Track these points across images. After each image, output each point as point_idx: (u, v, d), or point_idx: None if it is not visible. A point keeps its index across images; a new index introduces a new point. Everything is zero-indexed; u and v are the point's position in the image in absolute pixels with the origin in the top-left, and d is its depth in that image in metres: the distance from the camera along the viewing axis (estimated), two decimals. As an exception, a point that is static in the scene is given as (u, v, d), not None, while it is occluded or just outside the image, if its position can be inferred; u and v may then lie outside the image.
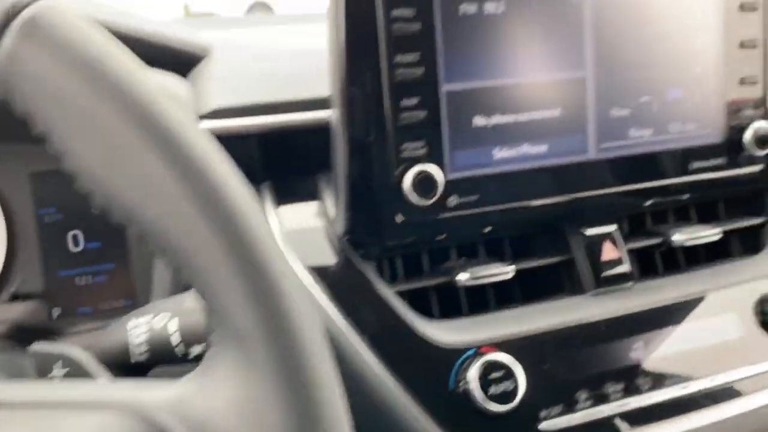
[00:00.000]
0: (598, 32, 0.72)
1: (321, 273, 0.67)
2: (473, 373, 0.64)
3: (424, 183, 0.66)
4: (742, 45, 0.78)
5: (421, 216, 0.67)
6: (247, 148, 0.73)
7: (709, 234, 0.78)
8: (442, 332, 0.67)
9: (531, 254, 0.77)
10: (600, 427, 0.67)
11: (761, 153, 0.78)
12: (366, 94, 0.64)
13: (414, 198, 0.66)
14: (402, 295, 0.69)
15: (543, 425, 0.65)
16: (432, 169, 0.66)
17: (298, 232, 0.70)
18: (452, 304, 0.73)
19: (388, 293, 0.68)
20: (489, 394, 0.63)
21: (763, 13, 0.78)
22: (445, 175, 0.68)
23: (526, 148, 0.72)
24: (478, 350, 0.66)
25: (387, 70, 0.65)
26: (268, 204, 0.73)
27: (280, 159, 0.75)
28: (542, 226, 0.76)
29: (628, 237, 0.79)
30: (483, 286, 0.73)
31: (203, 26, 0.96)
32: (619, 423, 0.67)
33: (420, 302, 0.71)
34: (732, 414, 0.70)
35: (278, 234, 0.70)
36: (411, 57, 0.65)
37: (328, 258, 0.69)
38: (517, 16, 0.69)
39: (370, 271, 0.68)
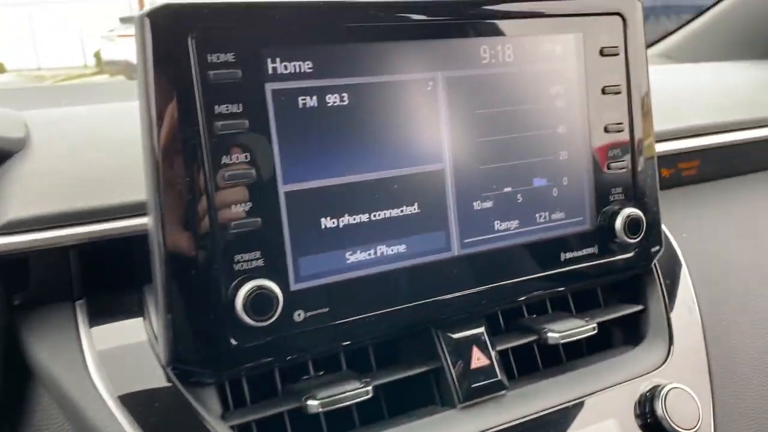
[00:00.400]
0: (455, 121, 0.67)
1: (137, 405, 0.57)
2: None
3: (261, 301, 0.57)
4: (607, 129, 0.74)
5: (259, 338, 0.58)
6: (59, 261, 0.63)
7: (584, 329, 0.73)
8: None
9: (397, 361, 0.70)
10: None
11: (633, 240, 0.74)
12: (187, 199, 0.55)
13: (249, 319, 0.57)
14: (243, 429, 0.60)
15: None
16: (269, 284, 0.57)
17: (114, 356, 0.60)
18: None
19: (220, 426, 0.58)
20: None
21: (626, 94, 0.75)
22: (287, 288, 0.59)
23: (383, 249, 0.64)
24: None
25: (211, 171, 0.56)
26: (82, 324, 0.62)
27: (99, 272, 0.64)
28: (407, 330, 0.69)
29: (499, 335, 0.73)
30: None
31: (32, 97, 0.85)
32: None
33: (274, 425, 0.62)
34: None
35: (90, 358, 0.59)
36: (241, 157, 0.57)
37: (149, 387, 0.58)
38: (363, 107, 0.62)
39: (199, 403, 0.58)
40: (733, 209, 0.96)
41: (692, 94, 1.10)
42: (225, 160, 0.57)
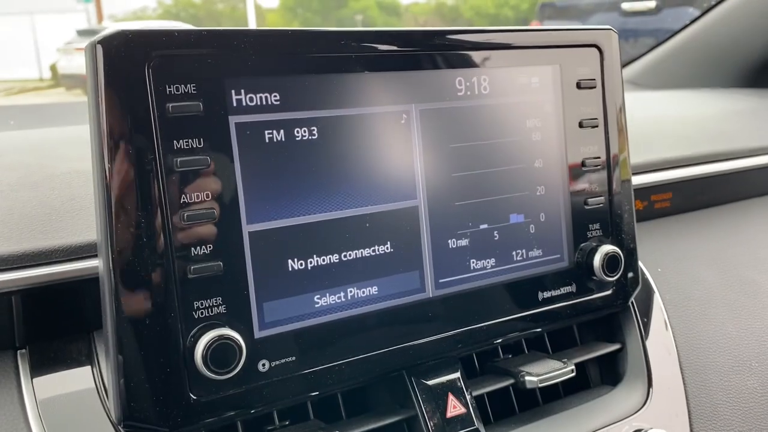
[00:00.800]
0: (429, 156, 0.63)
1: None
2: None
3: (223, 352, 0.52)
4: (584, 164, 0.72)
5: (220, 391, 0.54)
6: (0, 307, 0.57)
7: (563, 372, 0.70)
8: None
9: (368, 409, 0.66)
10: None
11: (611, 278, 0.72)
12: (141, 240, 0.51)
13: (209, 372, 0.52)
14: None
15: None
16: (232, 333, 0.53)
17: (57, 409, 0.54)
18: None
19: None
20: None
21: (603, 127, 0.73)
22: (251, 336, 0.55)
23: (354, 292, 0.61)
24: None
25: (169, 211, 0.52)
26: (23, 374, 0.56)
27: (45, 318, 0.59)
28: (379, 378, 0.65)
29: (475, 379, 0.69)
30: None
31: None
32: None
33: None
34: None
35: (30, 411, 0.54)
36: (202, 195, 0.53)
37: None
38: (333, 141, 0.59)
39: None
40: (706, 242, 0.95)
41: (661, 125, 1.09)
42: (184, 199, 0.52)
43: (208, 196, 0.53)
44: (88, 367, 0.58)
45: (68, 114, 1.21)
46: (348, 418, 0.64)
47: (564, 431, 0.68)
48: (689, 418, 0.73)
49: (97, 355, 0.59)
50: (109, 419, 0.54)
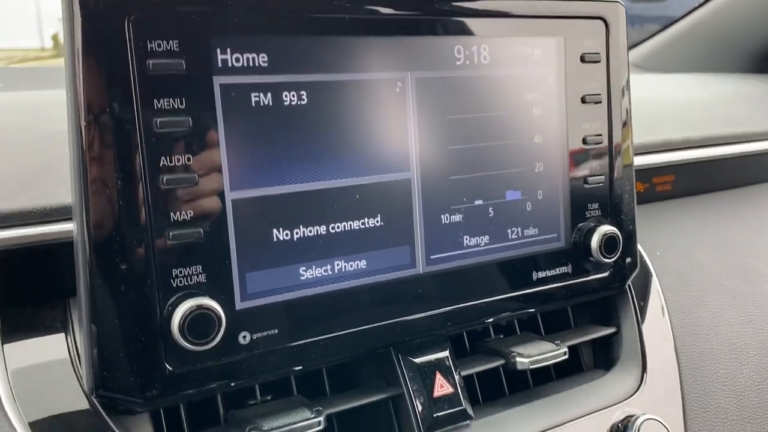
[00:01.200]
0: (424, 127, 0.61)
1: (53, 436, 0.50)
2: None
3: (201, 322, 0.50)
4: (585, 141, 0.69)
5: (198, 363, 0.52)
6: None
7: (555, 354, 0.68)
8: None
9: (353, 386, 0.64)
10: None
11: (608, 260, 0.70)
12: (117, 204, 0.48)
13: (187, 342, 0.50)
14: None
15: None
16: (211, 303, 0.51)
17: (28, 376, 0.52)
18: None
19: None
20: None
21: (606, 104, 0.71)
22: (232, 307, 0.53)
23: (341, 265, 0.58)
24: None
25: (147, 174, 0.49)
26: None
27: (18, 282, 0.57)
28: (365, 354, 0.63)
29: (464, 359, 0.67)
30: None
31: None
32: None
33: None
34: None
35: (0, 379, 0.52)
36: (182, 159, 0.50)
37: (67, 412, 0.51)
38: (324, 107, 0.56)
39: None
40: (707, 227, 0.93)
41: (665, 107, 1.06)
42: (164, 162, 0.50)
43: (189, 160, 0.51)
44: (62, 335, 0.56)
45: (60, 77, 1.18)
46: (333, 395, 0.62)
47: (554, 414, 0.66)
48: (683, 404, 0.71)
49: (72, 322, 0.57)
50: (83, 389, 0.52)
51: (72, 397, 0.52)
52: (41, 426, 0.51)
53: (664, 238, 0.87)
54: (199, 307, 0.50)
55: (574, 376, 0.74)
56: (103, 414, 0.51)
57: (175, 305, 0.50)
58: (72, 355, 0.54)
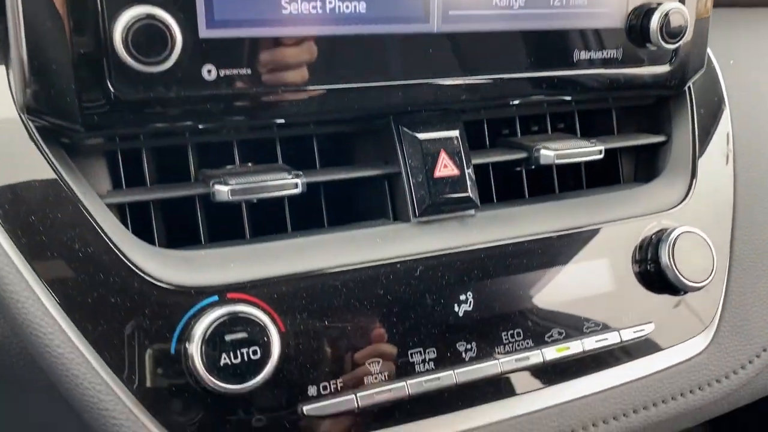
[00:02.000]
0: None
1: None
2: (204, 331, 0.42)
3: (149, 36, 0.41)
4: None
5: (149, 90, 0.43)
6: None
7: (587, 151, 0.58)
8: (169, 267, 0.44)
9: (346, 160, 0.56)
10: (393, 412, 0.48)
11: (670, 46, 0.57)
12: None
13: (131, 59, 0.41)
14: (124, 210, 0.47)
15: (308, 408, 0.45)
16: (163, 14, 0.42)
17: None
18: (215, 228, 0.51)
19: (95, 206, 0.44)
20: (224, 364, 0.42)
21: None
22: (194, 32, 0.44)
23: (335, 4, 0.48)
24: (223, 296, 0.44)
25: None
26: None
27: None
28: (360, 121, 0.54)
29: (480, 150, 0.58)
30: (267, 206, 0.51)
31: None
32: (421, 408, 0.48)
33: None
34: (571, 398, 0.53)
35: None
36: None
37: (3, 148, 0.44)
38: None
39: (74, 176, 0.45)
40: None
41: None
42: None
43: None
44: None
45: None
46: (321, 168, 0.55)
47: (574, 217, 0.56)
48: (733, 222, 0.60)
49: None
50: (18, 113, 0.45)
51: (5, 118, 0.44)
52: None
53: (742, 46, 0.72)
54: (148, 16, 0.41)
55: (608, 186, 0.64)
56: (43, 146, 0.44)
57: (116, 10, 0.41)
58: (9, 71, 0.46)
